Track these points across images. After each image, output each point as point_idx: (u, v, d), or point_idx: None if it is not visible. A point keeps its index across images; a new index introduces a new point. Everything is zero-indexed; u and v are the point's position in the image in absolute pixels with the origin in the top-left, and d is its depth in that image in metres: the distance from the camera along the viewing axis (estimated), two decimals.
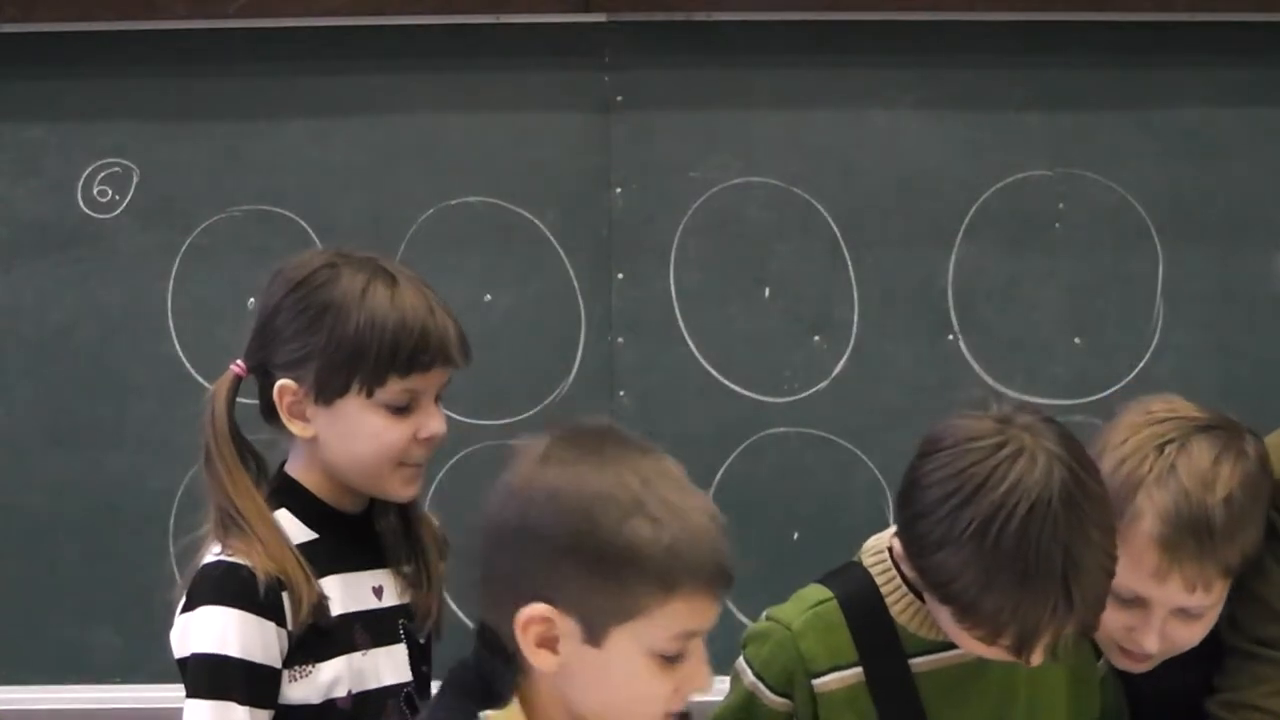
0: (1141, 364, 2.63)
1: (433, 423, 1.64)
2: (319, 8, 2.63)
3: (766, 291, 2.64)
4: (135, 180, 2.63)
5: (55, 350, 2.61)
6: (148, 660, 2.45)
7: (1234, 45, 2.66)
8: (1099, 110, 2.66)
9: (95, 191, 2.63)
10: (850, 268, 2.64)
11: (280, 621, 1.58)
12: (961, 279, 2.64)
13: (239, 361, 1.68)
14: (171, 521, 2.47)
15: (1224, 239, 2.65)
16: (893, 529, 1.64)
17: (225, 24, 2.63)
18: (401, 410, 1.63)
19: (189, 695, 1.57)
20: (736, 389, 2.63)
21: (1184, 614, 1.64)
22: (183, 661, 1.59)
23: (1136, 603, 1.63)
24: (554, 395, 2.61)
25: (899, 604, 1.63)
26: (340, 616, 1.63)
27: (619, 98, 2.65)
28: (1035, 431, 1.49)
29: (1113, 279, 2.65)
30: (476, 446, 2.58)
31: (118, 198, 2.63)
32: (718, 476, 2.60)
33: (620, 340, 2.63)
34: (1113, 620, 1.62)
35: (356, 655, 1.64)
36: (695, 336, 2.63)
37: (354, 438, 1.62)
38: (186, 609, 1.59)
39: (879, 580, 1.64)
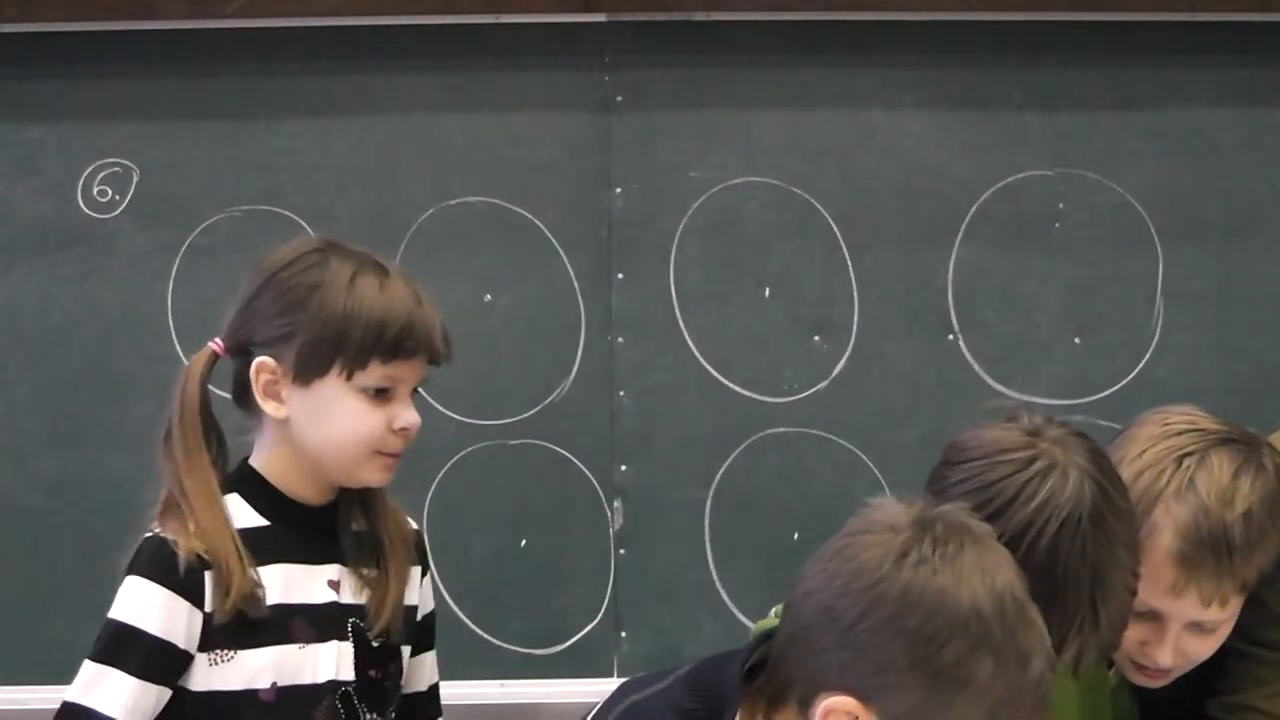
0: (1141, 364, 2.63)
1: (408, 414, 1.62)
2: (318, 8, 2.62)
3: (766, 291, 2.64)
4: (135, 180, 2.63)
5: (55, 350, 2.60)
6: None
7: (1234, 45, 2.66)
8: (1099, 110, 2.66)
9: (95, 191, 2.63)
10: (850, 268, 2.64)
11: (197, 602, 1.56)
12: (961, 279, 2.64)
13: (218, 340, 1.66)
14: None
15: (1224, 239, 2.65)
16: None
17: (225, 24, 2.62)
18: (378, 398, 1.60)
19: (89, 656, 1.58)
20: (736, 389, 2.63)
21: (1198, 628, 1.62)
22: None
23: (1150, 616, 1.61)
24: (554, 395, 2.61)
25: None
26: (278, 607, 1.60)
27: (619, 98, 2.65)
28: (1066, 446, 1.46)
29: (1113, 279, 2.65)
30: (476, 446, 2.58)
31: (118, 198, 2.63)
32: (718, 476, 2.60)
33: (620, 340, 2.63)
34: (1126, 635, 1.61)
35: (291, 648, 1.60)
36: (695, 336, 2.63)
37: (329, 420, 1.60)
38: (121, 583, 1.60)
39: None
